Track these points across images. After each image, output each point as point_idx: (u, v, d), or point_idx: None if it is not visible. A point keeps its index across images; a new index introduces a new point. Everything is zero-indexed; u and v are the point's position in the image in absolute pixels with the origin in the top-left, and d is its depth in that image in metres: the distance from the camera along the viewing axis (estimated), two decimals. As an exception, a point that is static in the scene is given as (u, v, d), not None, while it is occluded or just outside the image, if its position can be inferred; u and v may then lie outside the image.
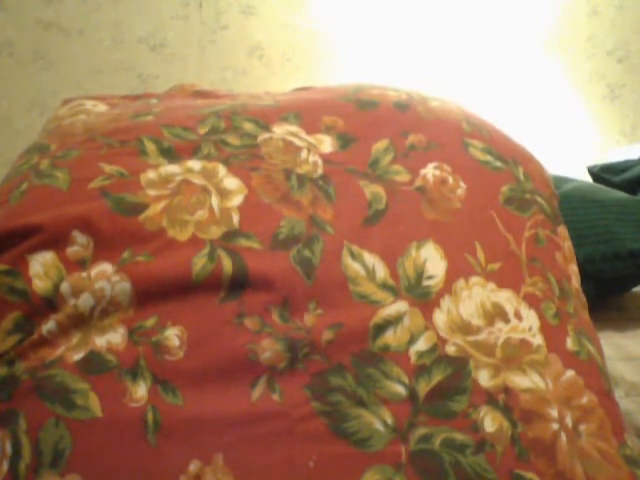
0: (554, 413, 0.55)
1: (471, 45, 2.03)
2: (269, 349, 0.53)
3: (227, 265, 0.56)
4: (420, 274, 0.59)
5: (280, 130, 0.68)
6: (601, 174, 1.40)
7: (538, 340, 0.59)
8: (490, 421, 0.53)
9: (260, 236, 0.58)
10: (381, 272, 0.58)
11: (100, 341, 0.53)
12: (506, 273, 0.62)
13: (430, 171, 0.67)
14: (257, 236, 0.58)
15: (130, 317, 0.54)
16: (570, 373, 0.58)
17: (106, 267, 0.56)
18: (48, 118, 0.80)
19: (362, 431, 0.51)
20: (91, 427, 0.50)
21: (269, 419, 0.51)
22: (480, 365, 0.56)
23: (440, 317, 0.57)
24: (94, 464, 0.49)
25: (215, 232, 0.58)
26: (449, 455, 0.51)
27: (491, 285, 0.60)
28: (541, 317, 0.60)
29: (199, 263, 0.56)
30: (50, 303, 0.55)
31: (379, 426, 0.52)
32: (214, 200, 0.60)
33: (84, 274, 0.56)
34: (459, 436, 0.52)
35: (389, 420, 0.52)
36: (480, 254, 0.62)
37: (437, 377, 0.54)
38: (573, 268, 0.69)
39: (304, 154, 0.66)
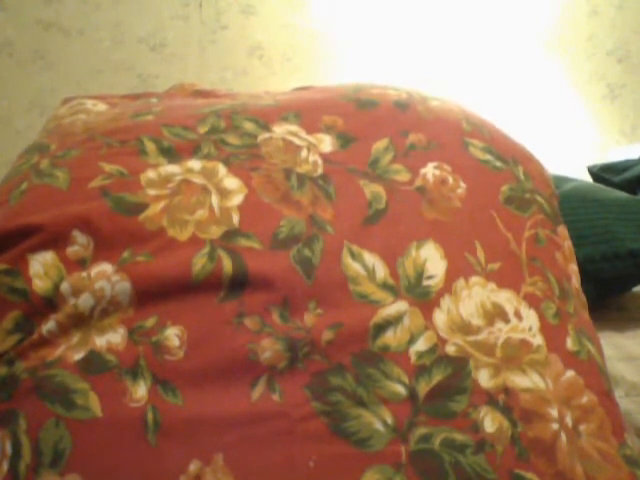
0: (554, 413, 0.55)
1: (471, 45, 2.03)
2: (269, 349, 0.53)
3: (227, 265, 0.56)
4: (420, 274, 0.59)
5: (280, 130, 0.68)
6: (601, 174, 1.40)
7: (538, 340, 0.59)
8: (490, 421, 0.53)
9: (260, 236, 0.58)
10: (381, 272, 0.58)
11: (100, 341, 0.53)
12: (506, 273, 0.62)
13: (430, 171, 0.67)
14: (257, 236, 0.58)
15: (130, 317, 0.54)
16: (570, 373, 0.58)
17: (106, 267, 0.56)
18: (48, 118, 0.80)
19: (362, 431, 0.51)
20: (91, 427, 0.50)
21: (269, 419, 0.51)
22: (480, 365, 0.56)
23: (440, 317, 0.57)
24: (94, 464, 0.49)
25: (215, 232, 0.58)
26: (449, 455, 0.51)
27: (491, 285, 0.60)
28: (541, 317, 0.60)
29: (199, 263, 0.56)
30: (50, 303, 0.55)
31: (379, 426, 0.51)
32: (214, 200, 0.60)
33: (84, 274, 0.56)
34: (459, 436, 0.52)
35: (389, 420, 0.52)
36: (480, 254, 0.62)
37: (437, 377, 0.54)
38: (573, 268, 0.69)
39: (304, 154, 0.66)
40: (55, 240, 0.57)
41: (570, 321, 0.62)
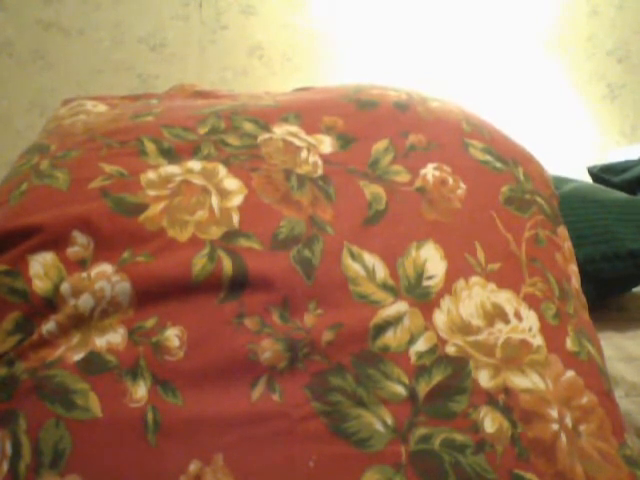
0: (554, 413, 0.55)
1: (471, 45, 2.03)
2: (269, 349, 0.53)
3: (227, 265, 0.56)
4: (420, 274, 0.59)
5: (280, 130, 0.68)
6: (601, 174, 1.40)
7: (538, 340, 0.59)
8: (490, 421, 0.53)
9: (260, 236, 0.58)
10: (381, 272, 0.58)
11: (100, 341, 0.53)
12: (506, 273, 0.62)
13: (430, 171, 0.67)
14: (257, 236, 0.58)
15: (130, 317, 0.54)
16: (570, 373, 0.58)
17: (106, 267, 0.56)
18: (48, 118, 0.80)
19: (362, 431, 0.51)
20: (91, 427, 0.50)
21: (269, 419, 0.51)
22: (480, 365, 0.56)
23: (440, 317, 0.57)
24: (94, 464, 0.49)
25: (215, 232, 0.58)
26: (449, 455, 0.51)
27: (491, 285, 0.60)
28: (541, 317, 0.60)
29: (199, 263, 0.56)
30: (50, 303, 0.55)
31: (379, 426, 0.52)
32: (214, 200, 0.60)
33: (84, 274, 0.56)
34: (459, 436, 0.52)
35: (389, 420, 0.52)
36: (480, 254, 0.62)
37: (437, 377, 0.54)
38: (573, 268, 0.69)
39: (304, 154, 0.66)
40: (55, 241, 0.57)
41: (570, 322, 0.62)
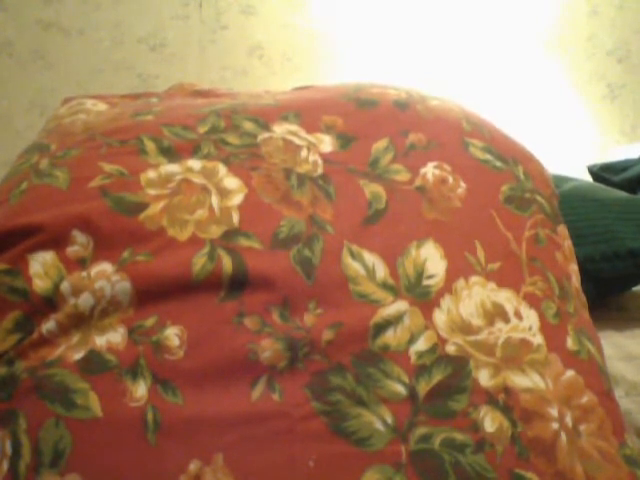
0: (554, 413, 0.55)
1: (471, 45, 2.03)
2: (269, 349, 0.53)
3: (227, 264, 0.56)
4: (420, 273, 0.59)
5: (280, 129, 0.68)
6: (601, 173, 1.40)
7: (538, 340, 0.59)
8: (490, 421, 0.53)
9: (260, 236, 0.58)
10: (381, 272, 0.58)
11: (100, 340, 0.53)
12: (506, 272, 0.62)
13: (430, 170, 0.67)
14: (257, 235, 0.58)
15: (130, 316, 0.54)
16: (570, 373, 0.58)
17: (106, 266, 0.56)
18: (48, 118, 0.80)
19: (362, 431, 0.51)
20: (91, 427, 0.50)
21: (269, 419, 0.51)
22: (480, 365, 0.56)
23: (440, 317, 0.57)
24: (94, 464, 0.49)
25: (215, 231, 0.58)
26: (449, 455, 0.51)
27: (491, 285, 0.60)
28: (541, 317, 0.60)
29: (199, 262, 0.56)
30: (50, 302, 0.55)
31: (379, 426, 0.51)
32: (214, 199, 0.60)
33: (84, 273, 0.56)
34: (459, 436, 0.52)
35: (389, 420, 0.52)
36: (480, 253, 0.62)
37: (437, 377, 0.54)
38: (573, 267, 0.69)
39: (304, 153, 0.66)
40: (55, 240, 0.57)
41: (570, 321, 0.62)
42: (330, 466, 0.50)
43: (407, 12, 2.02)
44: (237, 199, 0.60)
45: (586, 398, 0.57)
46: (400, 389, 0.53)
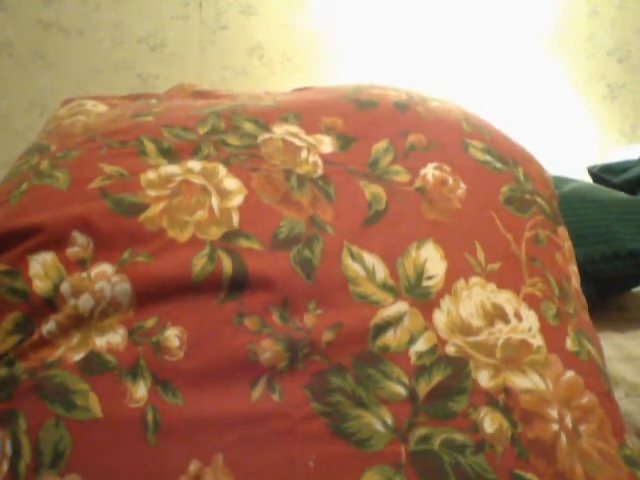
0: (554, 413, 0.55)
1: (471, 45, 2.03)
2: (269, 349, 0.53)
3: (227, 265, 0.56)
4: (420, 274, 0.59)
5: (280, 130, 0.68)
6: (601, 174, 1.40)
7: (538, 341, 0.59)
8: (490, 421, 0.53)
9: (260, 236, 0.58)
10: (381, 272, 0.58)
11: (100, 341, 0.53)
12: (506, 273, 0.62)
13: (430, 171, 0.67)
14: (257, 236, 0.58)
15: (130, 317, 0.54)
16: (570, 373, 0.58)
17: (106, 267, 0.56)
18: (48, 118, 0.80)
19: (362, 431, 0.51)
20: (91, 427, 0.50)
21: (269, 419, 0.51)
22: (480, 365, 0.56)
23: (440, 317, 0.57)
24: (94, 464, 0.49)
25: (215, 232, 0.58)
26: (449, 455, 0.51)
27: (491, 285, 0.60)
28: (541, 318, 0.60)
29: (199, 263, 0.56)
30: (50, 303, 0.55)
31: (379, 426, 0.52)
32: (214, 200, 0.60)
33: (84, 274, 0.56)
34: (459, 436, 0.52)
35: (389, 420, 0.52)
36: (480, 254, 0.62)
37: (437, 377, 0.54)
38: (573, 268, 0.69)
39: (304, 154, 0.66)
40: (55, 241, 0.57)
41: (570, 322, 0.62)
42: (330, 467, 0.50)
43: (407, 12, 2.02)
44: (237, 200, 0.60)
45: (586, 399, 0.58)
46: (400, 390, 0.53)
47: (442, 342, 0.56)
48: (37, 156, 0.66)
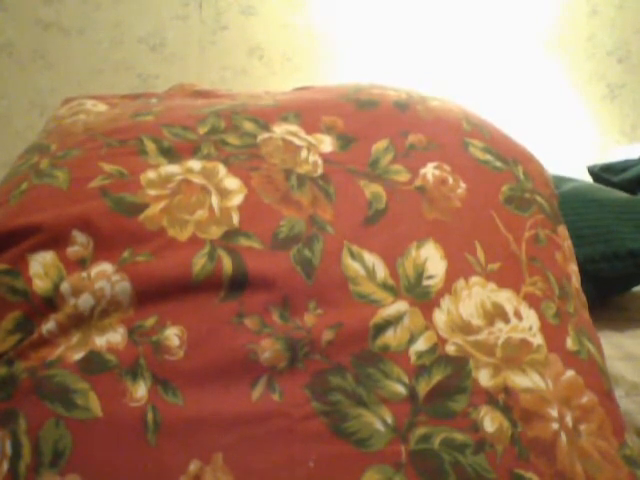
0: (554, 413, 0.55)
1: (471, 45, 2.03)
2: (269, 349, 0.53)
3: (227, 265, 0.56)
4: (420, 274, 0.59)
5: (280, 130, 0.68)
6: (601, 174, 1.40)
7: (538, 340, 0.59)
8: (490, 421, 0.53)
9: (260, 236, 0.58)
10: (381, 272, 0.58)
11: (100, 341, 0.53)
12: (506, 273, 0.62)
13: (430, 171, 0.67)
14: (257, 236, 0.58)
15: (130, 317, 0.54)
16: (570, 373, 0.58)
17: (106, 267, 0.56)
18: (48, 118, 0.80)
19: (362, 431, 0.51)
20: (91, 427, 0.50)
21: (269, 419, 0.51)
22: (480, 365, 0.56)
23: (440, 317, 0.57)
24: (94, 464, 0.49)
25: (215, 232, 0.58)
26: (449, 455, 0.51)
27: (491, 285, 0.60)
28: (541, 317, 0.60)
29: (199, 263, 0.56)
30: (50, 303, 0.55)
31: (379, 426, 0.51)
32: (214, 200, 0.60)
33: (84, 274, 0.56)
34: (459, 436, 0.52)
35: (389, 420, 0.52)
36: (480, 254, 0.62)
37: (437, 377, 0.54)
38: (573, 268, 0.69)
39: (304, 154, 0.66)
40: (55, 240, 0.57)
41: (570, 321, 0.62)
42: (330, 466, 0.50)
43: (407, 12, 2.02)
44: (237, 199, 0.60)
45: (586, 398, 0.58)
46: (400, 389, 0.53)
47: (442, 341, 0.56)
48: (37, 155, 0.66)
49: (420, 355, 0.55)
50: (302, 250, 0.58)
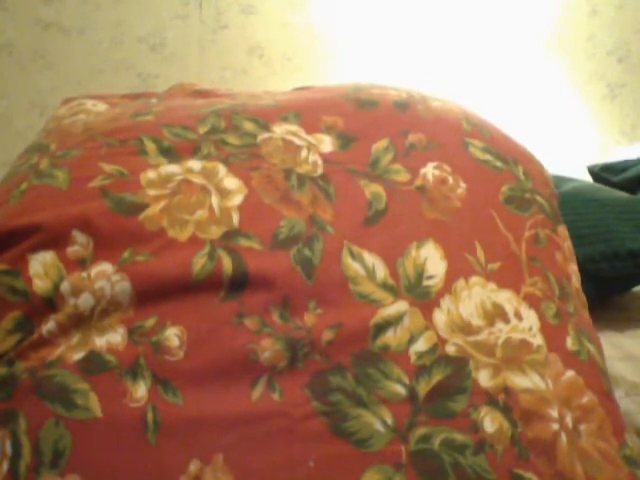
0: (554, 413, 0.55)
1: (471, 45, 2.03)
2: (269, 349, 0.53)
3: (227, 265, 0.56)
4: (420, 274, 0.59)
5: (280, 129, 0.68)
6: (601, 174, 1.40)
7: (538, 340, 0.59)
8: (490, 421, 0.53)
9: (260, 236, 0.58)
10: (381, 272, 0.58)
11: (100, 341, 0.53)
12: (506, 273, 0.62)
13: (430, 170, 0.67)
14: (257, 236, 0.58)
15: (130, 317, 0.54)
16: (570, 373, 0.58)
17: (106, 267, 0.56)
18: (48, 118, 0.80)
19: (362, 431, 0.51)
20: (91, 427, 0.50)
21: (269, 419, 0.51)
22: (480, 365, 0.56)
23: (440, 317, 0.57)
24: (94, 464, 0.49)
25: (215, 232, 0.58)
26: (449, 455, 0.51)
27: (491, 285, 0.60)
28: (541, 317, 0.60)
29: (199, 263, 0.56)
30: (50, 303, 0.55)
31: (379, 426, 0.51)
32: (214, 200, 0.60)
33: (84, 274, 0.56)
34: (459, 436, 0.52)
35: (389, 420, 0.52)
36: (480, 254, 0.62)
37: (437, 377, 0.54)
38: (573, 268, 0.69)
39: (304, 154, 0.66)
40: (55, 240, 0.57)
41: (570, 321, 0.62)
42: (330, 466, 0.50)
43: (407, 12, 2.02)
44: (237, 199, 0.60)
45: (586, 398, 0.58)
46: (400, 389, 0.53)
47: (442, 341, 0.56)
48: (37, 155, 0.66)
49: (420, 355, 0.55)
50: (302, 250, 0.58)
